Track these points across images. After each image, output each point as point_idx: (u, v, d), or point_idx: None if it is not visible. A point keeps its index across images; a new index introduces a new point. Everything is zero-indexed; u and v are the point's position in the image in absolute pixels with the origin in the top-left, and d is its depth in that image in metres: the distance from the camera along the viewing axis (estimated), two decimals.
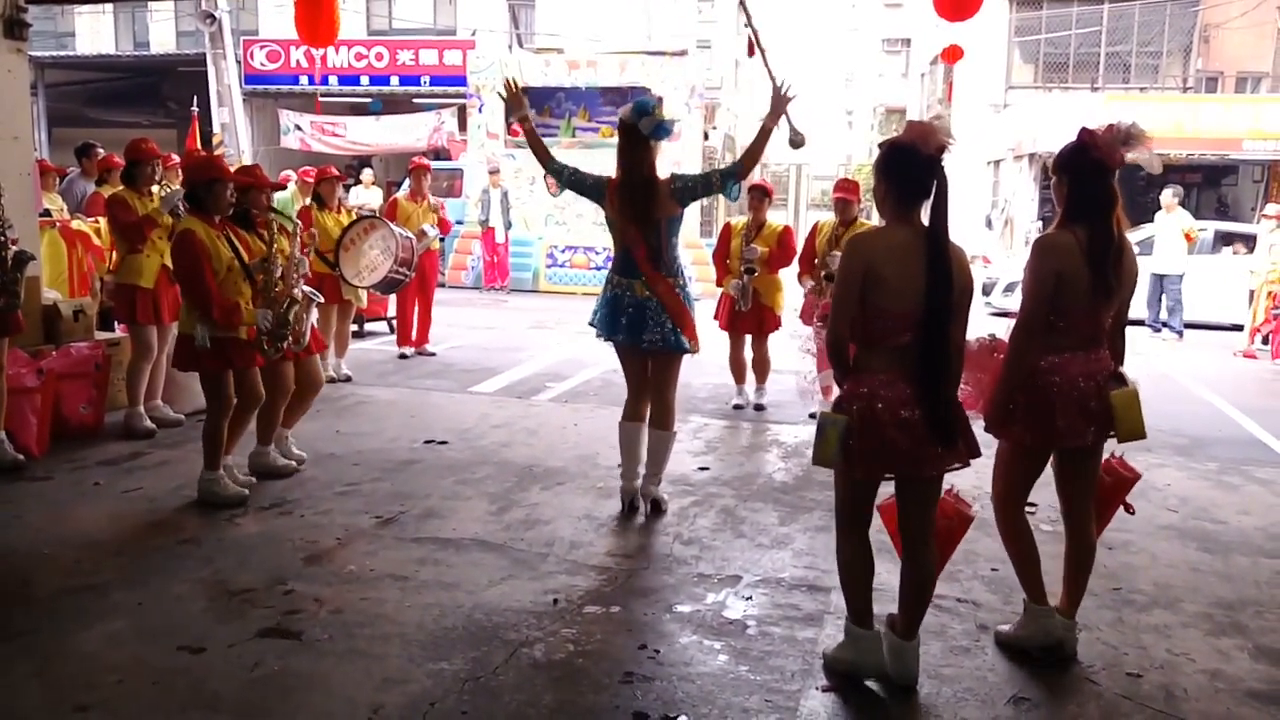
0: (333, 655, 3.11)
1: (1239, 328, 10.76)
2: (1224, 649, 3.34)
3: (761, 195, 6.76)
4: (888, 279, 2.83)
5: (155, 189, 5.88)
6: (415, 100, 19.36)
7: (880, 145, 3.10)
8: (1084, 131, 3.04)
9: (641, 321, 4.34)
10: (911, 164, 2.88)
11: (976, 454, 2.95)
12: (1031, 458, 3.17)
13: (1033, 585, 3.24)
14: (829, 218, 6.66)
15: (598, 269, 13.27)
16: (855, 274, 2.86)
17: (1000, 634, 3.34)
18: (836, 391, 3.02)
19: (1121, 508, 3.39)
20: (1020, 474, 3.22)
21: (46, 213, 7.35)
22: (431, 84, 19.09)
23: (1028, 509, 3.37)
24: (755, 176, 6.71)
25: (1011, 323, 3.16)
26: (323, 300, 5.58)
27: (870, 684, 3.04)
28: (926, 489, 2.98)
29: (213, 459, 4.54)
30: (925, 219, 2.90)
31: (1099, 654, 3.26)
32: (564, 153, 15.46)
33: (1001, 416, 3.11)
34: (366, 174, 15.22)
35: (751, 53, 4.94)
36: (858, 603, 3.06)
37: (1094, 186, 3.00)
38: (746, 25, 5.06)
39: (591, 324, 4.57)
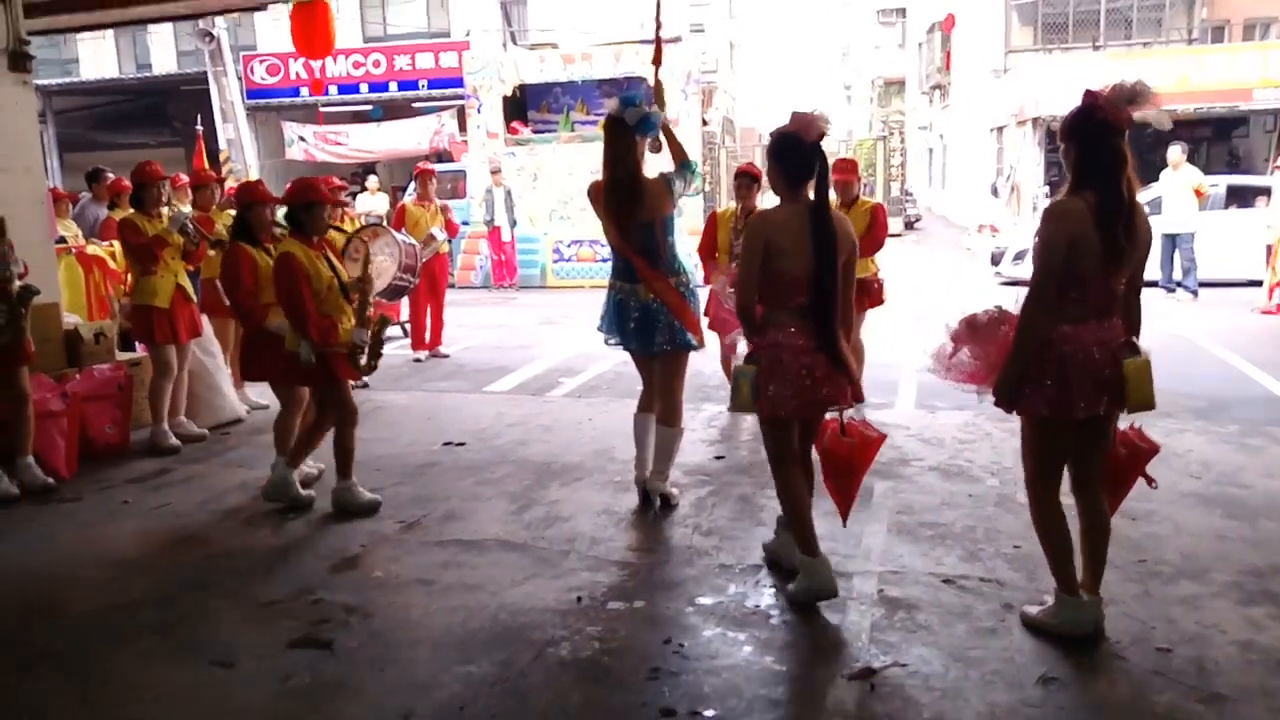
0: (362, 663, 3.16)
1: (1257, 284, 10.56)
2: (1255, 619, 3.26)
3: (749, 181, 6.11)
4: (785, 249, 3.31)
5: (165, 210, 5.95)
6: (415, 104, 19.41)
7: (770, 134, 3.56)
8: (1088, 94, 2.97)
9: (651, 326, 4.33)
10: (797, 150, 3.37)
11: (860, 398, 3.50)
12: (1053, 431, 3.08)
13: (1065, 575, 3.16)
14: (831, 198, 6.59)
15: (603, 261, 13.29)
16: (757, 248, 3.33)
17: (1027, 616, 3.28)
18: (743, 348, 3.48)
19: (1142, 479, 3.30)
20: (1046, 450, 3.13)
21: (62, 239, 7.46)
22: (429, 87, 19.16)
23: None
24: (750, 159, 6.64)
25: (1019, 292, 3.15)
26: None
27: (896, 669, 3.02)
28: (815, 422, 3.50)
29: (345, 468, 4.62)
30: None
31: (1126, 629, 3.19)
32: (564, 147, 15.52)
33: (1014, 390, 3.05)
34: (372, 181, 15.31)
35: (657, 61, 4.90)
36: (803, 532, 3.47)
37: (1103, 149, 2.94)
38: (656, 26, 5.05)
39: (600, 329, 4.57)
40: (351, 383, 7.31)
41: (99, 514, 4.76)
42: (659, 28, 5.07)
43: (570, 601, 3.56)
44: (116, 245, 6.95)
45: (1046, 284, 2.98)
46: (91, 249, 7.37)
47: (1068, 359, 2.97)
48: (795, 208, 3.39)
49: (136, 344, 6.36)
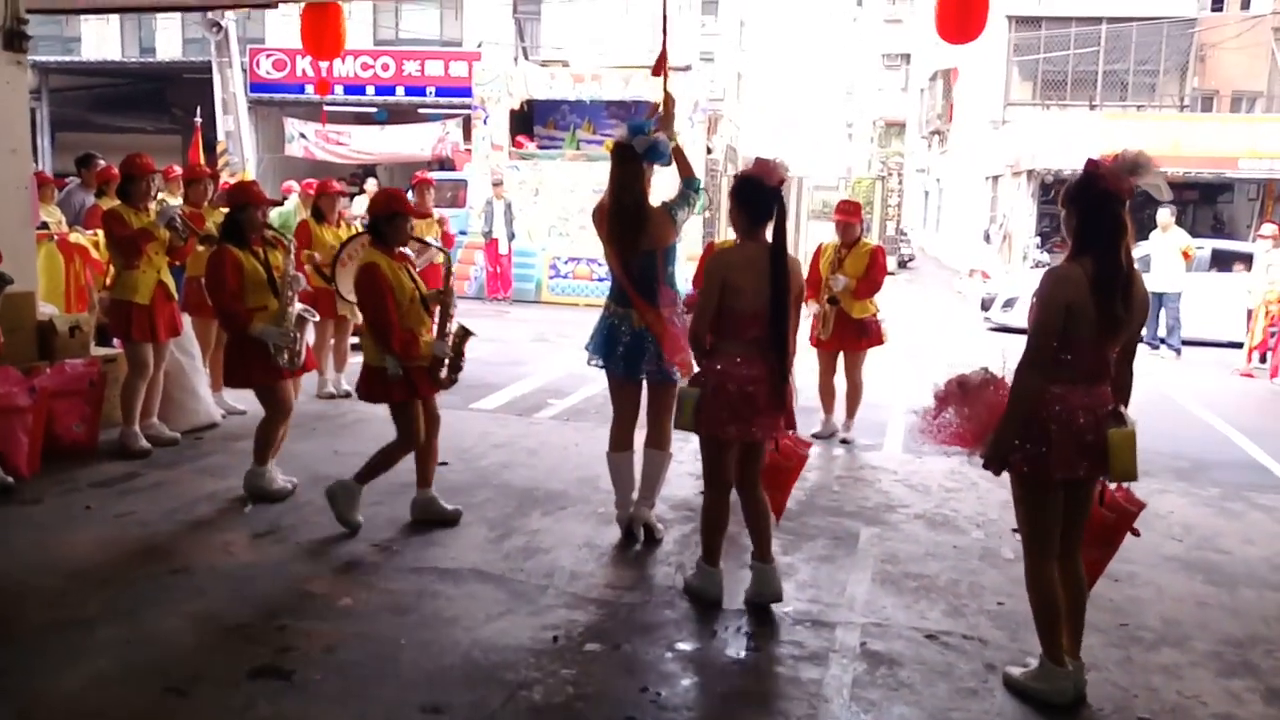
0: (324, 698, 3.03)
1: (1237, 345, 10.78)
2: (1235, 691, 3.27)
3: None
4: (742, 287, 3.52)
5: (152, 204, 5.82)
6: (420, 111, 19.36)
7: (734, 177, 3.82)
8: (1090, 162, 3.00)
9: (639, 352, 4.28)
10: (757, 193, 3.57)
11: (792, 427, 3.79)
12: (1040, 491, 3.06)
13: (1052, 644, 3.14)
14: (831, 239, 6.59)
15: (600, 280, 13.24)
16: (715, 285, 3.55)
17: (1011, 679, 3.25)
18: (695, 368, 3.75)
19: (1129, 534, 3.34)
20: (1038, 514, 3.10)
21: (44, 225, 7.30)
22: (437, 95, 19.11)
23: (1013, 531, 3.32)
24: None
25: (1007, 340, 3.12)
26: (318, 318, 5.53)
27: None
28: (757, 449, 3.75)
29: (425, 477, 4.66)
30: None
31: (1108, 696, 3.18)
32: (568, 164, 15.55)
33: (1003, 452, 3.03)
34: (370, 184, 15.21)
35: (658, 71, 4.90)
36: (712, 545, 3.81)
37: (1103, 217, 2.96)
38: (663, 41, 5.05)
39: (587, 348, 4.50)
40: (335, 393, 7.29)
41: (59, 519, 4.59)
42: (664, 37, 5.08)
43: (546, 640, 3.45)
44: (101, 234, 6.80)
45: (1043, 348, 2.98)
46: (74, 237, 7.19)
47: (1051, 419, 2.96)
48: (754, 247, 3.60)
49: (114, 340, 6.22)
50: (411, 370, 4.42)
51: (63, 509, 4.72)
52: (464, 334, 4.63)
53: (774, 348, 3.56)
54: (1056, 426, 2.94)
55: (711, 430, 3.60)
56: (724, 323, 3.57)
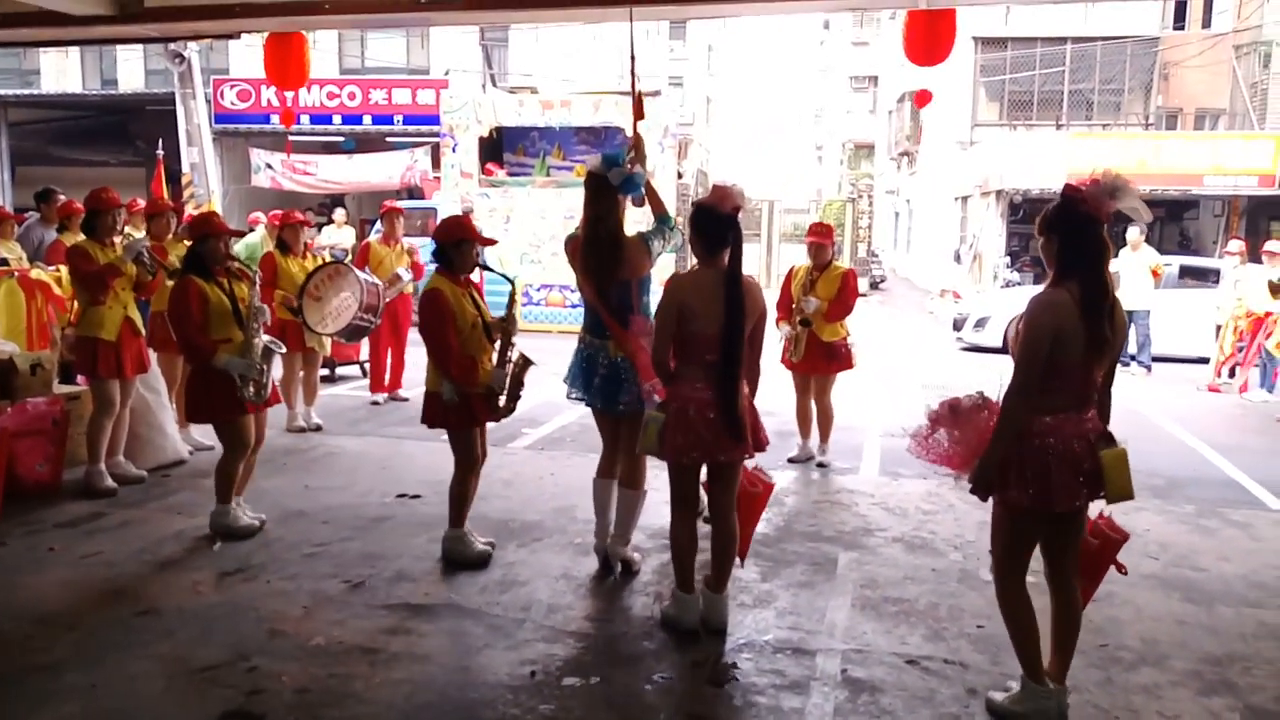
0: None
1: (1205, 360, 10.90)
2: (1215, 710, 3.28)
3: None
4: (697, 312, 3.58)
5: (118, 239, 5.74)
6: (388, 139, 19.32)
7: (692, 204, 3.85)
8: (1069, 187, 3.01)
9: (616, 384, 4.25)
10: (713, 220, 3.63)
11: (761, 449, 3.79)
12: (1028, 521, 3.08)
13: (1031, 663, 3.15)
14: (804, 261, 6.60)
15: (573, 307, 13.21)
16: (672, 309, 3.61)
17: (993, 703, 3.24)
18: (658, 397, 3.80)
19: (1113, 568, 3.33)
20: (1017, 539, 3.13)
21: (4, 261, 7.16)
22: (405, 123, 19.08)
23: (990, 553, 3.31)
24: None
25: (988, 360, 3.12)
26: (284, 350, 5.46)
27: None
28: (727, 471, 3.76)
29: (458, 517, 4.56)
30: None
31: (1090, 717, 3.18)
32: (538, 191, 15.49)
33: (992, 479, 3.04)
34: (339, 214, 15.10)
35: (638, 114, 4.96)
36: (683, 572, 3.80)
37: (1086, 241, 2.97)
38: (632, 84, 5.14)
39: (566, 381, 4.47)
40: (306, 427, 7.18)
41: (23, 560, 4.49)
42: (635, 82, 5.17)
43: (524, 676, 3.40)
44: (63, 270, 6.69)
45: (1031, 375, 2.97)
46: (35, 273, 7.06)
47: (1049, 452, 2.97)
48: (710, 273, 3.65)
49: (78, 377, 6.10)
50: (470, 397, 4.42)
51: (27, 551, 4.61)
52: (525, 363, 4.61)
53: (727, 371, 3.58)
54: (1054, 459, 2.95)
55: (675, 454, 3.65)
56: (683, 348, 3.64)
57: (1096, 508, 3.18)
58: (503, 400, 4.54)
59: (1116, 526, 3.33)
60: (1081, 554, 3.23)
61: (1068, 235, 3.00)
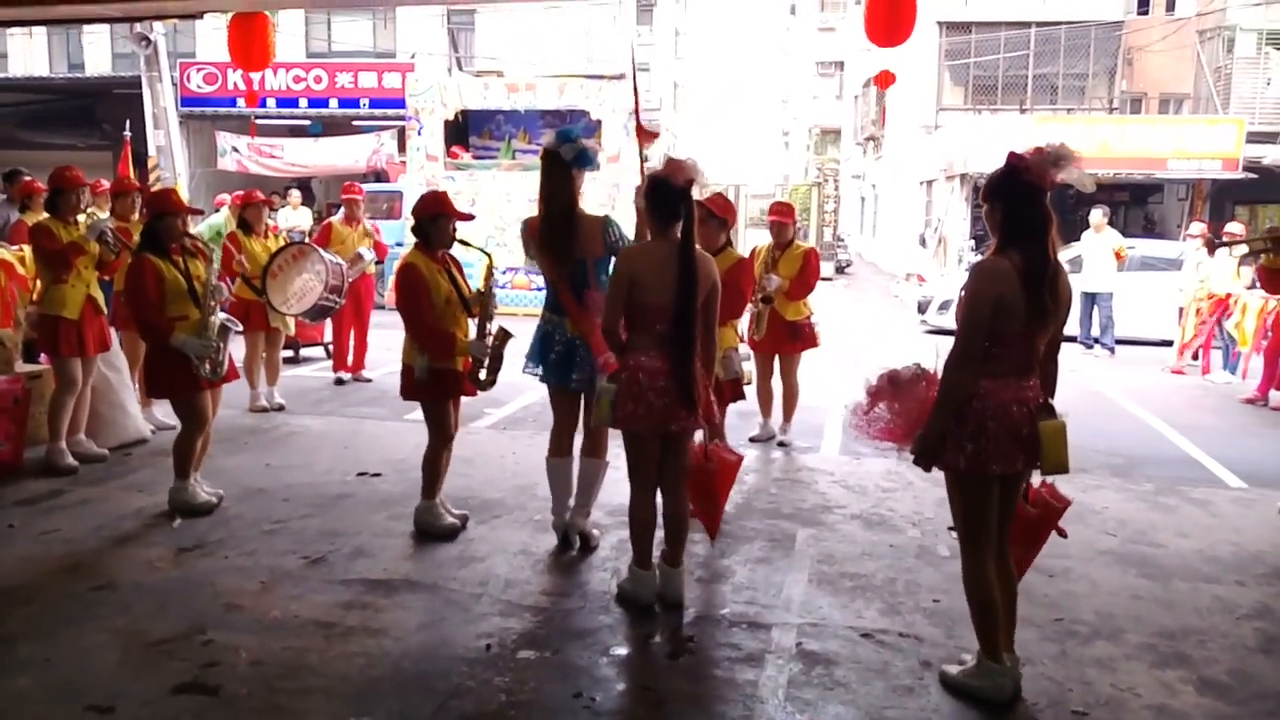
0: (250, 712, 2.96)
1: (1168, 343, 11.01)
2: (1169, 682, 3.28)
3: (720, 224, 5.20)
4: (648, 283, 3.60)
5: (81, 217, 5.66)
6: (355, 123, 19.15)
7: (647, 177, 3.86)
8: (1013, 155, 2.99)
9: (569, 360, 4.26)
10: (666, 192, 3.63)
11: (711, 420, 3.82)
12: (977, 487, 3.05)
13: (989, 640, 3.12)
14: (767, 241, 6.65)
15: (539, 289, 13.16)
16: (623, 279, 3.63)
17: (947, 676, 3.24)
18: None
19: (1055, 533, 3.33)
20: (974, 508, 3.09)
21: None
22: (371, 106, 18.91)
23: (949, 529, 3.32)
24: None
25: (942, 341, 3.15)
26: (241, 329, 5.42)
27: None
28: (677, 442, 3.79)
29: (430, 489, 4.60)
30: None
31: (1043, 690, 3.19)
32: (504, 174, 15.37)
33: (933, 447, 3.04)
34: (294, 195, 14.91)
35: (641, 135, 5.04)
36: (641, 548, 3.83)
37: (1028, 209, 2.96)
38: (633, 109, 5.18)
39: (526, 356, 4.47)
40: (269, 407, 7.13)
41: None
42: (636, 98, 5.25)
43: (479, 649, 3.41)
44: (26, 249, 6.59)
45: (972, 342, 2.98)
46: None
47: (986, 414, 2.96)
48: (663, 245, 3.66)
49: (40, 355, 6.03)
50: (444, 371, 4.44)
51: None
52: (504, 336, 4.61)
53: (679, 342, 3.61)
54: (993, 421, 2.95)
55: (628, 423, 3.67)
56: (634, 318, 3.66)
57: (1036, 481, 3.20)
58: (484, 374, 4.56)
59: (1059, 494, 3.32)
60: (1022, 523, 3.23)
61: (1011, 203, 2.99)
